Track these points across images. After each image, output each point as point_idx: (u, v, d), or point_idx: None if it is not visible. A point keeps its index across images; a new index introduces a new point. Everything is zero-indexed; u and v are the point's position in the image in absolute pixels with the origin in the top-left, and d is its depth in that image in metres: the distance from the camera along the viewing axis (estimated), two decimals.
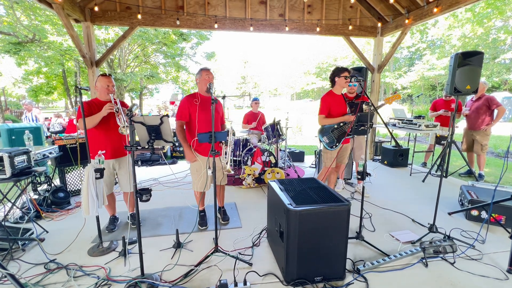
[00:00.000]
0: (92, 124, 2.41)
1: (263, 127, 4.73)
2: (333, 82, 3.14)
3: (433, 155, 5.23)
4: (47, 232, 2.70)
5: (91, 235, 2.61)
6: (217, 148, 2.61)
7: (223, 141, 2.73)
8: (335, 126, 3.12)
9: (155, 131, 1.94)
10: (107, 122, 2.48)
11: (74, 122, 7.29)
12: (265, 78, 42.35)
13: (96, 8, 4.47)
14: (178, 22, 4.76)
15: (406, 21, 4.81)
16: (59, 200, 3.35)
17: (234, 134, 5.07)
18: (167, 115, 1.98)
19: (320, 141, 3.29)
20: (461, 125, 5.33)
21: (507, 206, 2.69)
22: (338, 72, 3.08)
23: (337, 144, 3.14)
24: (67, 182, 3.72)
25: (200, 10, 4.88)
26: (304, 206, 1.86)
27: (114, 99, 2.42)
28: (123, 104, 2.54)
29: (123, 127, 2.30)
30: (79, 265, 2.14)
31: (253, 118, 5.25)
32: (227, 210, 3.21)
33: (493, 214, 2.75)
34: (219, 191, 2.97)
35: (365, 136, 2.57)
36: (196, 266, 2.12)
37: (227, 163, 2.86)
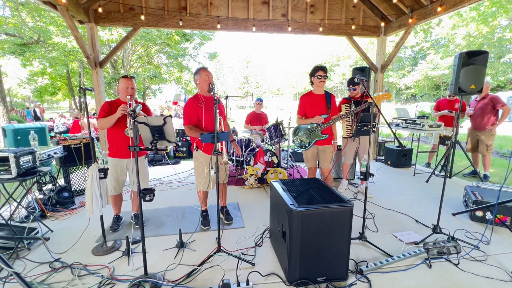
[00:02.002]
0: (109, 124, 2.50)
1: (265, 127, 4.74)
2: (312, 82, 3.15)
3: (437, 155, 5.18)
4: (52, 231, 2.73)
5: (95, 234, 2.63)
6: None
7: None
8: (308, 127, 3.13)
9: (158, 132, 1.95)
10: (124, 123, 2.55)
11: (84, 121, 7.35)
12: (267, 78, 42.34)
13: (100, 10, 4.51)
14: (181, 23, 4.78)
15: (410, 20, 4.78)
16: (64, 199, 3.39)
17: (236, 135, 5.09)
18: (170, 116, 1.99)
19: (293, 141, 3.30)
20: (465, 125, 5.28)
21: None
22: (313, 71, 3.09)
23: (307, 145, 3.14)
24: (71, 182, 3.75)
25: (203, 11, 4.89)
26: (307, 206, 1.86)
27: (130, 102, 2.48)
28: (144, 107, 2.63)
29: (130, 129, 2.33)
30: (84, 264, 2.16)
31: (255, 119, 5.25)
32: (230, 210, 3.22)
33: (498, 215, 2.73)
34: (221, 190, 2.98)
35: (369, 136, 2.57)
36: (199, 265, 2.13)
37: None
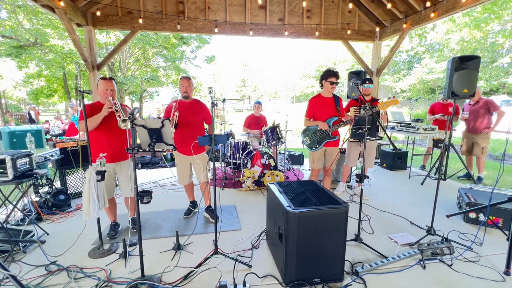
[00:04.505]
0: (93, 125, 2.39)
1: (262, 130, 4.77)
2: (321, 85, 3.17)
3: (431, 158, 5.25)
4: (47, 234, 2.72)
5: (91, 237, 2.62)
6: (192, 148, 2.78)
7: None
8: (318, 128, 3.17)
9: (156, 134, 1.97)
10: (108, 125, 2.46)
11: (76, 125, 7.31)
12: (265, 81, 42.54)
13: (98, 13, 4.53)
14: (179, 27, 4.82)
15: (404, 25, 4.87)
16: (60, 202, 3.37)
17: (233, 138, 5.12)
18: (168, 119, 2.01)
19: (302, 141, 3.34)
20: (459, 128, 5.36)
21: (504, 209, 2.71)
22: (325, 75, 3.08)
23: (318, 146, 3.19)
24: (67, 184, 3.74)
25: (201, 15, 4.94)
26: (303, 208, 1.88)
27: (114, 101, 2.42)
28: (124, 107, 2.56)
29: (122, 120, 2.24)
30: (80, 267, 2.16)
31: (254, 121, 5.28)
32: (227, 212, 3.25)
33: (490, 217, 2.78)
34: (202, 189, 3.08)
35: (376, 141, 2.58)
36: (196, 268, 2.13)
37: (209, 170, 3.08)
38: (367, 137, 2.46)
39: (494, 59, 15.95)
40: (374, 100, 3.64)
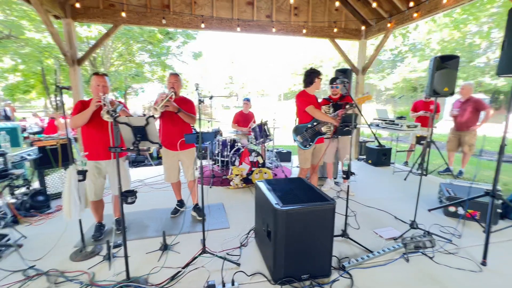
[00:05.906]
0: (83, 121, 2.33)
1: (250, 128, 4.75)
2: (311, 82, 3.18)
3: (414, 154, 5.43)
4: (25, 237, 2.59)
5: (73, 239, 2.52)
6: (178, 144, 2.76)
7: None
8: (309, 126, 3.21)
9: (140, 132, 1.90)
10: (100, 121, 2.34)
11: (60, 121, 7.00)
12: (252, 78, 42.39)
13: (77, 5, 4.32)
14: (164, 21, 4.69)
15: (389, 25, 4.97)
16: (39, 203, 3.22)
17: (221, 135, 5.07)
18: (153, 116, 1.95)
19: (294, 140, 3.36)
20: (440, 125, 5.56)
21: (481, 202, 2.84)
22: (317, 74, 3.19)
23: (311, 143, 3.23)
24: (47, 184, 3.57)
25: (187, 10, 4.82)
26: (291, 205, 1.89)
27: (104, 96, 2.31)
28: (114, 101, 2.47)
29: (106, 112, 2.11)
30: (61, 271, 2.07)
31: (243, 119, 5.26)
32: (215, 210, 3.22)
33: (468, 210, 2.91)
34: (190, 187, 3.06)
35: (350, 136, 2.66)
36: (183, 268, 2.10)
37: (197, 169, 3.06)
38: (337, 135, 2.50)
39: (472, 59, 16.65)
40: (343, 97, 3.78)
